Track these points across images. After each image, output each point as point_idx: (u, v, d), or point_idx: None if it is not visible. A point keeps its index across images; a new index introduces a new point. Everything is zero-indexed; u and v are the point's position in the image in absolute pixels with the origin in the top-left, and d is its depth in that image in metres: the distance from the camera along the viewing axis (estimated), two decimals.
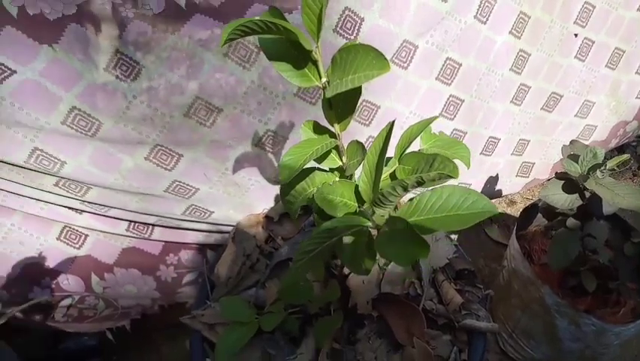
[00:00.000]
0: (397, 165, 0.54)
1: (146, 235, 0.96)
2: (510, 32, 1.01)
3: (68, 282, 0.92)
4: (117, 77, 0.76)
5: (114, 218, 0.92)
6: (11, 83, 0.71)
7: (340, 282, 0.72)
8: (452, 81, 0.99)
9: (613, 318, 0.88)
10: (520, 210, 1.04)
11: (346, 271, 0.74)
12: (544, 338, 0.92)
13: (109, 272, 0.95)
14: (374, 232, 0.48)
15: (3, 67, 0.70)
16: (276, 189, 0.96)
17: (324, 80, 0.49)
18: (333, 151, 0.56)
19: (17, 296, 0.88)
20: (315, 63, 0.49)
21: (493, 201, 1.37)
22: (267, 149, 0.91)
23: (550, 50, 1.10)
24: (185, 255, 1.03)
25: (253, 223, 0.86)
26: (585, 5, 1.10)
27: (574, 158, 0.87)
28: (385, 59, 0.43)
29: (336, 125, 0.53)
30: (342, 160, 0.56)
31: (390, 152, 0.49)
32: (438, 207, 0.43)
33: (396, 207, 0.60)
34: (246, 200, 0.96)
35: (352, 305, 0.72)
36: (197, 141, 0.85)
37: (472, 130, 1.09)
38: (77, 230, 0.91)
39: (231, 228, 0.93)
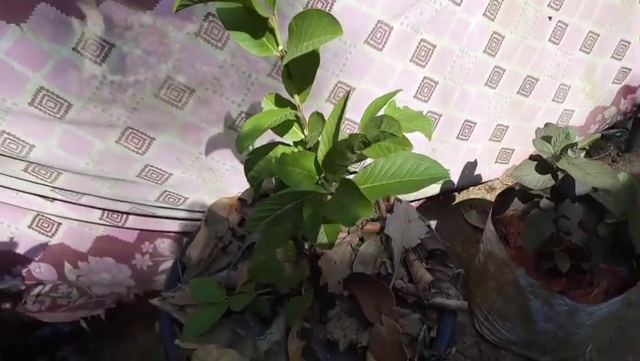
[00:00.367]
0: None
1: (120, 223, 0.95)
2: (484, 14, 1.01)
3: (40, 270, 0.91)
4: (87, 57, 0.75)
5: (87, 206, 0.90)
6: None
7: (311, 261, 0.72)
8: (427, 63, 0.99)
9: (586, 299, 0.89)
10: None
11: (319, 251, 0.73)
12: (519, 320, 0.93)
13: (83, 260, 0.94)
14: None
15: None
16: None
17: (280, 47, 0.48)
18: (295, 125, 0.56)
19: None
20: (272, 32, 0.49)
21: (472, 187, 1.38)
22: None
23: (525, 33, 1.11)
24: (162, 243, 1.02)
25: (226, 206, 0.86)
26: None
27: (547, 139, 0.87)
28: (338, 23, 0.43)
29: (296, 96, 0.52)
30: (304, 133, 0.55)
31: None
32: (392, 174, 0.43)
33: None
34: (221, 185, 0.96)
35: (323, 284, 0.72)
36: (168, 123, 0.84)
37: (446, 112, 1.10)
38: (50, 218, 0.89)
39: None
